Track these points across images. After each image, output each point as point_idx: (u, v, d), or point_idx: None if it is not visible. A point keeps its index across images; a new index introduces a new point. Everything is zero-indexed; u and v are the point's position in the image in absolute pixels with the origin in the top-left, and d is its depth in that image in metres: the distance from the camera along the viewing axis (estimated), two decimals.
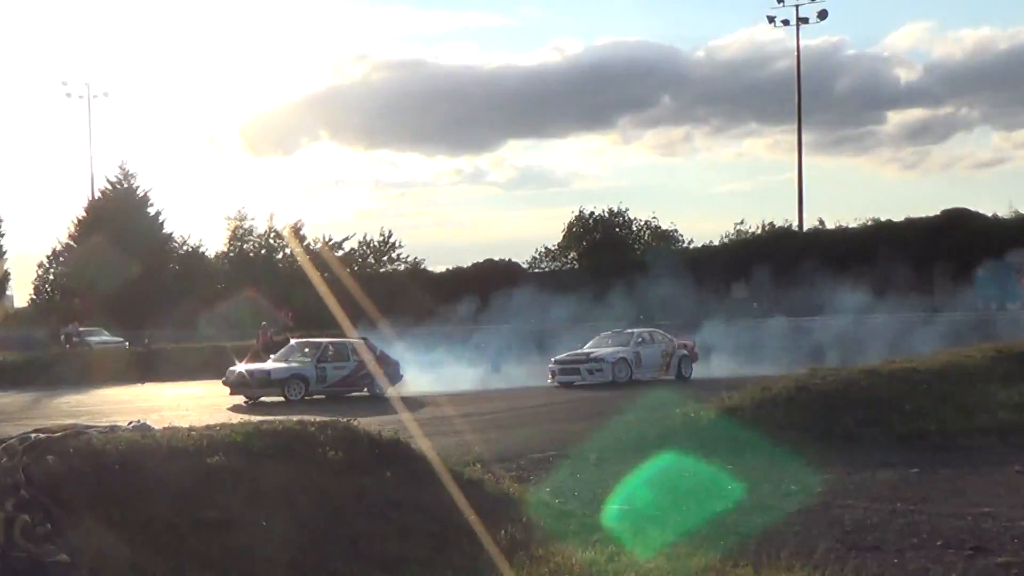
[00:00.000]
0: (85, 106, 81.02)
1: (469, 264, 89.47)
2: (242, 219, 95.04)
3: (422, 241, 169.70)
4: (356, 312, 45.27)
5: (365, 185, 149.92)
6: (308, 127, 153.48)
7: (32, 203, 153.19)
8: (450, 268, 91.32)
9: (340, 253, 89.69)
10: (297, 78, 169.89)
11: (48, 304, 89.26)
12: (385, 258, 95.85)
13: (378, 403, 31.89)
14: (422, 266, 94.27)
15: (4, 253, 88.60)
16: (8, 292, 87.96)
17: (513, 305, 56.17)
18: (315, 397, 33.90)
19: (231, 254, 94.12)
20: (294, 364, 34.76)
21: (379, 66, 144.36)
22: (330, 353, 35.03)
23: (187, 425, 16.82)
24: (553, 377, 38.76)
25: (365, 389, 35.03)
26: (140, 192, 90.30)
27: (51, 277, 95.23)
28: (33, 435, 14.93)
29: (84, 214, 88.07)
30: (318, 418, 17.77)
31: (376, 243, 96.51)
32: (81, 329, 64.25)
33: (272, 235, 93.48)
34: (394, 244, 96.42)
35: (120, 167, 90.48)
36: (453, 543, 14.12)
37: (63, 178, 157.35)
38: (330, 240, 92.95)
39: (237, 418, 19.60)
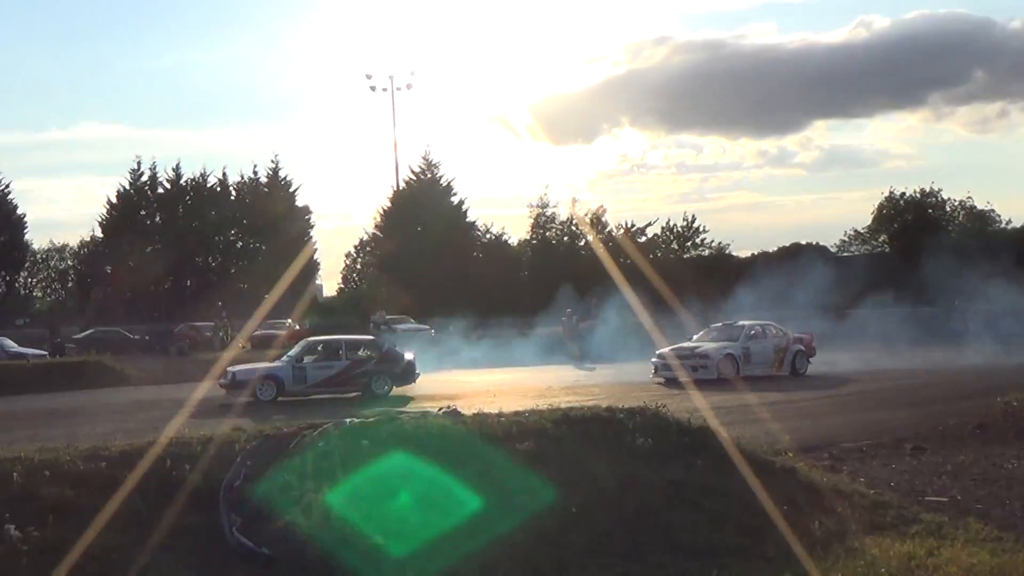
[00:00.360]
0: (389, 99, 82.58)
1: (775, 248, 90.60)
2: (544, 206, 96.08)
3: (726, 225, 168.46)
4: (655, 298, 45.13)
5: (667, 170, 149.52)
6: (608, 113, 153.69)
7: (340, 195, 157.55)
8: (755, 253, 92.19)
9: (643, 239, 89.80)
10: (596, 63, 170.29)
11: (355, 293, 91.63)
12: (689, 243, 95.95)
13: (672, 390, 31.41)
14: (727, 251, 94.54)
15: (314, 243, 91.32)
16: (318, 281, 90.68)
17: (820, 289, 54.80)
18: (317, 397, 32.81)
19: (533, 241, 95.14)
20: (271, 364, 34.19)
21: (679, 48, 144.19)
22: (318, 351, 34.24)
23: (495, 411, 17.04)
24: (656, 372, 37.19)
25: (362, 390, 33.19)
26: (443, 181, 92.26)
27: (358, 266, 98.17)
28: (348, 421, 15.37)
29: (390, 204, 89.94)
30: (625, 405, 17.71)
31: (679, 228, 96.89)
32: (388, 317, 65.69)
33: (574, 222, 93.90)
34: (698, 229, 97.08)
35: (423, 157, 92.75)
36: (766, 533, 13.98)
37: (369, 170, 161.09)
38: (632, 226, 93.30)
39: (545, 404, 19.59)
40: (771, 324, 39.85)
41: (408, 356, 34.92)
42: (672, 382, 34.99)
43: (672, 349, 37.86)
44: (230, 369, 33.09)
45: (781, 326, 39.63)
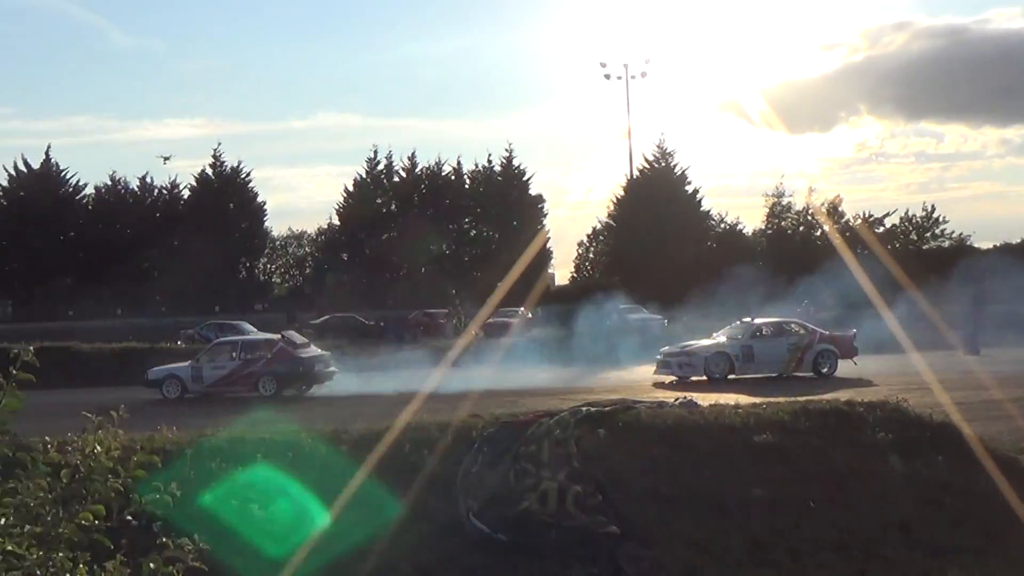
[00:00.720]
0: (623, 87, 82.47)
1: (1018, 239, 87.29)
2: (779, 196, 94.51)
3: (968, 216, 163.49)
4: (894, 289, 44.13)
5: (906, 159, 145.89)
6: (845, 100, 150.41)
7: (573, 184, 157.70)
8: (998, 244, 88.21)
9: (880, 230, 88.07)
10: (832, 50, 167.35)
11: (588, 282, 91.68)
12: (928, 234, 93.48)
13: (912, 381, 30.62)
14: (967, 242, 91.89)
15: (547, 232, 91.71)
16: (550, 270, 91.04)
17: None
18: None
19: (768, 231, 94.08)
20: (178, 365, 34.02)
21: (919, 34, 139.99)
22: (219, 351, 34.18)
23: (732, 402, 16.90)
24: (657, 370, 35.76)
25: (252, 390, 32.56)
26: (677, 170, 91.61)
27: (591, 256, 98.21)
28: (584, 409, 15.39)
29: (623, 193, 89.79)
30: (866, 399, 17.42)
31: (919, 219, 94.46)
32: (622, 306, 65.62)
33: (810, 212, 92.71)
34: (938, 220, 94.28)
35: (657, 145, 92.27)
36: (1009, 534, 13.67)
37: (603, 159, 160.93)
38: (870, 217, 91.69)
39: (782, 395, 19.66)
40: (794, 322, 38.27)
41: (312, 355, 34.57)
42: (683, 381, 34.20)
43: (671, 346, 36.85)
44: (149, 369, 33.95)
45: (811, 324, 37.97)
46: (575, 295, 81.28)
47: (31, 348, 8.54)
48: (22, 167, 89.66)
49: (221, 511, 12.43)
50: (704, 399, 18.68)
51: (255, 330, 58.73)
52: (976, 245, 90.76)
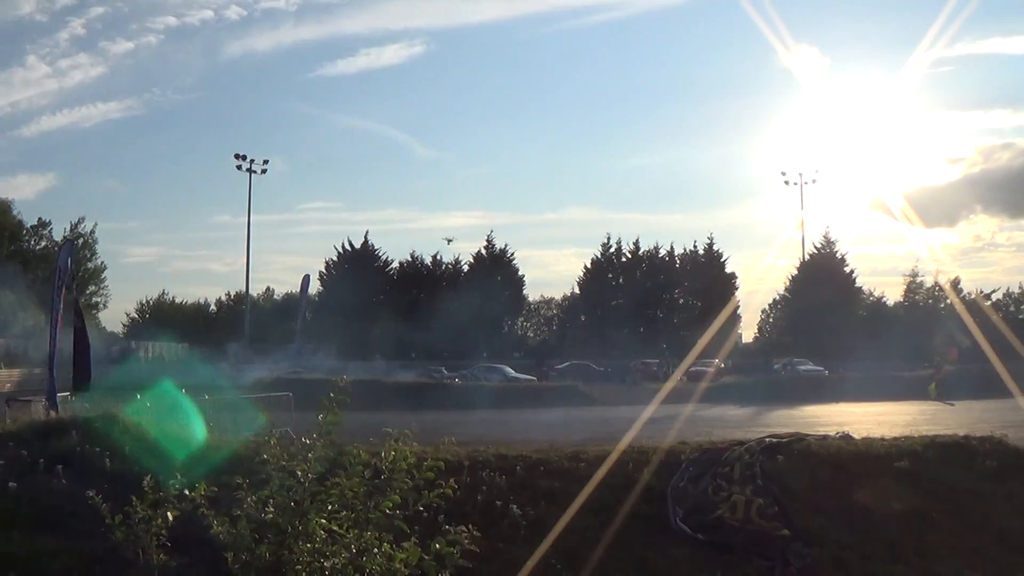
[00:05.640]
0: (798, 190, 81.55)
1: None
2: (914, 276, 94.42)
3: None
4: (1006, 347, 42.17)
5: (1010, 248, 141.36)
6: (966, 202, 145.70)
7: (759, 265, 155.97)
8: None
9: (989, 303, 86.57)
10: (956, 163, 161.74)
11: (767, 340, 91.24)
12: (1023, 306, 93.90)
13: None
14: None
15: (738, 301, 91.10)
16: (739, 330, 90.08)
17: None
18: None
19: (906, 304, 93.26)
20: None
21: (1020, 152, 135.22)
22: None
23: (878, 436, 16.96)
24: None
25: None
26: (838, 255, 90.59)
27: (770, 320, 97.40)
28: (767, 439, 15.30)
29: (796, 272, 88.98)
30: (977, 434, 17.43)
31: (1017, 294, 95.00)
32: (794, 360, 64.53)
33: (937, 289, 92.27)
34: None
35: (824, 235, 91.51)
36: None
37: (781, 246, 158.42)
38: (982, 292, 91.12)
39: (914, 431, 19.40)
40: None
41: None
42: None
43: None
44: None
45: None
46: (759, 350, 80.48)
47: (345, 377, 8.78)
48: (347, 247, 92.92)
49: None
50: (856, 432, 18.36)
51: (512, 371, 59.47)
52: None
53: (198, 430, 14.79)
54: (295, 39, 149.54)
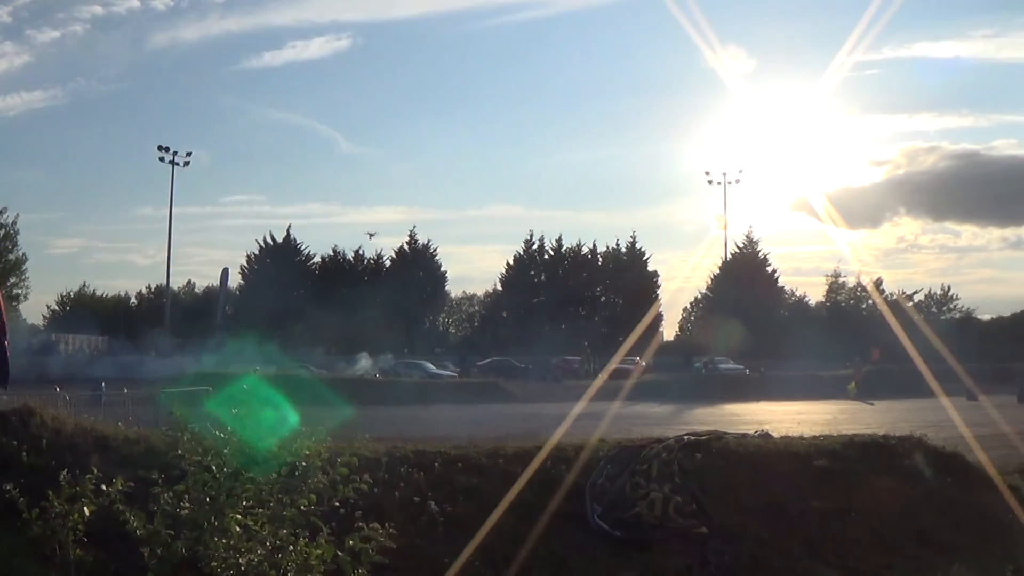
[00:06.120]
0: (722, 190, 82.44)
1: (1009, 313, 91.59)
2: (837, 276, 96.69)
3: (975, 295, 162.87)
4: (926, 347, 43.09)
5: (933, 250, 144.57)
6: (890, 204, 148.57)
7: (681, 263, 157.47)
8: (993, 317, 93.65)
9: (911, 304, 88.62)
10: (881, 165, 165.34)
11: (689, 339, 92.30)
12: (944, 308, 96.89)
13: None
14: (972, 314, 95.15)
15: (660, 300, 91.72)
16: (661, 329, 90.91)
17: None
18: None
19: (827, 304, 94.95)
20: None
21: (945, 156, 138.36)
22: None
23: (797, 435, 17.19)
24: None
25: None
26: (760, 255, 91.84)
27: (692, 319, 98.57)
28: (686, 437, 15.48)
29: (719, 271, 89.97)
30: (896, 434, 17.78)
31: (938, 296, 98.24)
32: (717, 358, 65.32)
33: (859, 289, 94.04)
34: (952, 297, 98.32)
35: (746, 235, 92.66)
36: (996, 534, 14.17)
37: (703, 245, 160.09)
38: (903, 293, 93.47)
39: (834, 430, 19.86)
40: None
41: None
42: None
43: None
44: None
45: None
46: (680, 349, 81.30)
47: (257, 368, 8.79)
48: (269, 240, 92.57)
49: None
50: (776, 431, 18.64)
51: (433, 367, 59.41)
52: (978, 317, 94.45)
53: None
54: (222, 30, 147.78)
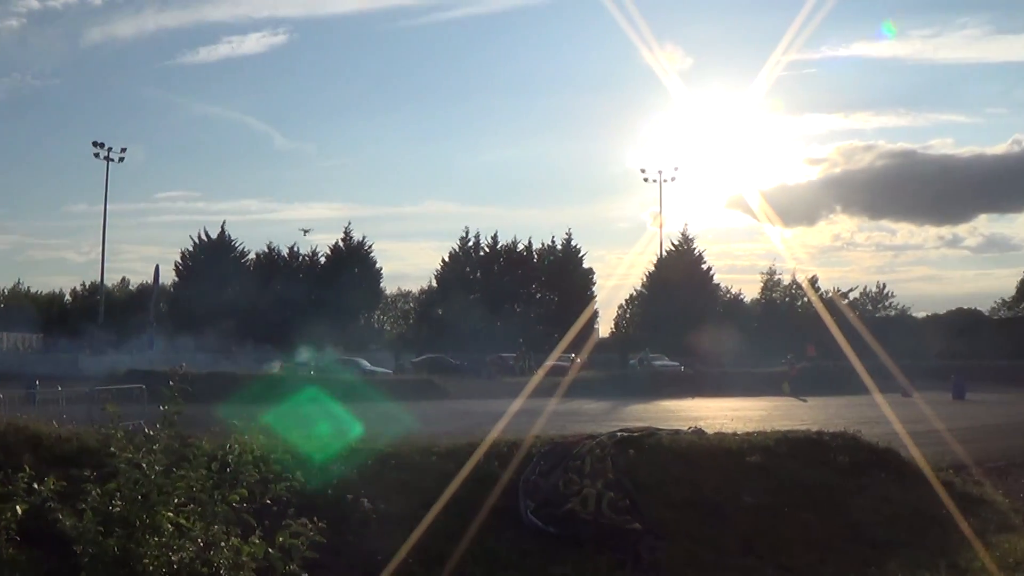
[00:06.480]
0: (657, 188, 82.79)
1: (944, 311, 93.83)
2: (772, 274, 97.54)
3: (910, 293, 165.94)
4: (861, 345, 43.77)
5: (869, 248, 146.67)
6: (826, 202, 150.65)
7: (616, 260, 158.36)
8: (928, 314, 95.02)
9: (846, 301, 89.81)
10: (817, 164, 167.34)
11: (624, 336, 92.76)
12: (880, 305, 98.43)
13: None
14: (908, 312, 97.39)
15: (595, 298, 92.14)
16: (597, 326, 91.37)
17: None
18: None
19: (763, 301, 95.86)
20: None
21: (882, 155, 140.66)
22: None
23: (731, 431, 17.32)
24: None
25: None
26: (696, 253, 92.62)
27: (627, 316, 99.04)
28: (619, 433, 15.60)
29: (654, 269, 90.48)
30: (831, 430, 17.98)
31: (874, 293, 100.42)
32: (651, 355, 65.68)
33: (794, 286, 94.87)
34: (887, 295, 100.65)
35: (681, 233, 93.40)
36: (929, 530, 14.31)
37: (638, 242, 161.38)
38: (839, 290, 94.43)
39: (768, 426, 19.66)
40: None
41: None
42: None
43: None
44: None
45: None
46: (615, 346, 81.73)
47: (184, 365, 8.80)
48: (204, 237, 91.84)
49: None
50: (710, 428, 18.84)
51: (369, 365, 59.19)
52: (913, 315, 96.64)
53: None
54: (157, 26, 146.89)
